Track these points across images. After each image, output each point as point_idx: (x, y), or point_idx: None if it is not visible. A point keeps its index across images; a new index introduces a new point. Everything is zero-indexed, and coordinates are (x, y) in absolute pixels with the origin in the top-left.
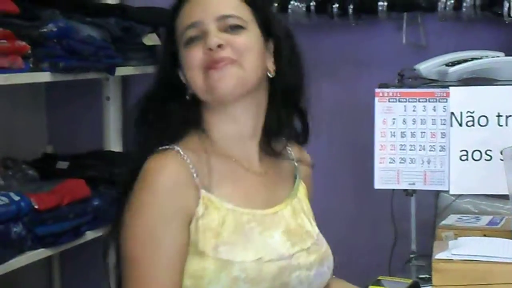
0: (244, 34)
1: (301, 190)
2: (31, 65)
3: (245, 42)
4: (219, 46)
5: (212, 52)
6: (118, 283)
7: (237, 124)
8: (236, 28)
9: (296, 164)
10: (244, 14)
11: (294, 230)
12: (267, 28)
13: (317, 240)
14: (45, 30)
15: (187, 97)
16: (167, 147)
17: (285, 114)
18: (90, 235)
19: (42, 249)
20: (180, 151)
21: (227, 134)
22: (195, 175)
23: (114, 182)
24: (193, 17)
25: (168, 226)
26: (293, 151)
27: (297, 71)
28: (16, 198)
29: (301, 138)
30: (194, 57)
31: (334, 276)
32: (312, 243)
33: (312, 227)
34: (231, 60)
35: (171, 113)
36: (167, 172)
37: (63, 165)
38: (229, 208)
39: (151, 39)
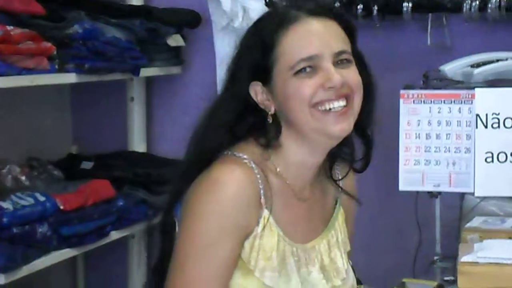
0: (353, 69)
1: (340, 217)
2: (56, 66)
3: (356, 78)
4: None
5: (332, 90)
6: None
7: (313, 157)
8: (345, 62)
9: (340, 188)
10: (349, 47)
11: (328, 266)
12: (360, 62)
13: (346, 276)
14: (70, 31)
15: (268, 120)
16: (235, 154)
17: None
18: (114, 235)
19: (67, 249)
20: (252, 163)
21: (296, 161)
22: (262, 191)
23: (138, 183)
24: (310, 50)
25: (227, 239)
26: (340, 173)
27: (373, 101)
28: (42, 198)
29: (360, 166)
30: (307, 90)
31: None
32: (342, 279)
33: (343, 263)
34: (346, 96)
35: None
36: (238, 186)
37: (87, 165)
38: (280, 234)
39: (176, 40)
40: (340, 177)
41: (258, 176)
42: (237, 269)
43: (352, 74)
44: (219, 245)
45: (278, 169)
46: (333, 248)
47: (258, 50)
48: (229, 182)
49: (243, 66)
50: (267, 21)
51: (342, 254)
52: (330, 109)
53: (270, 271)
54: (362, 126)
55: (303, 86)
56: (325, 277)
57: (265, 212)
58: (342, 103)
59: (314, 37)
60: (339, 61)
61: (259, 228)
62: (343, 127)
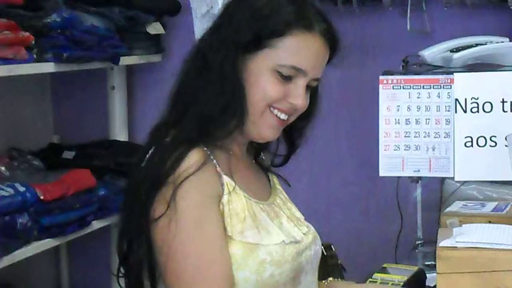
0: (308, 94)
1: (276, 180)
2: (34, 56)
3: (306, 104)
4: None
5: (291, 108)
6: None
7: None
8: (310, 87)
9: (266, 168)
10: None
11: (291, 217)
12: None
13: (307, 224)
14: (48, 20)
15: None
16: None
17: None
18: (96, 224)
19: (48, 239)
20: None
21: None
22: (214, 161)
23: (120, 172)
24: (304, 64)
25: (207, 212)
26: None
27: (309, 121)
28: (22, 189)
29: (279, 161)
30: (274, 94)
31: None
32: (306, 226)
33: (299, 214)
34: (291, 113)
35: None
36: (194, 157)
37: (69, 155)
38: (245, 195)
39: (155, 28)
40: (261, 160)
41: (205, 149)
42: None
43: (307, 101)
44: (204, 220)
45: (218, 143)
46: (286, 203)
47: (262, 23)
48: (181, 162)
49: (237, 34)
50: (287, 6)
51: (295, 208)
52: (276, 115)
53: (249, 230)
54: (293, 136)
55: (274, 87)
56: (295, 225)
57: (225, 178)
58: (285, 116)
59: (313, 56)
60: (308, 84)
61: (225, 195)
62: (274, 134)
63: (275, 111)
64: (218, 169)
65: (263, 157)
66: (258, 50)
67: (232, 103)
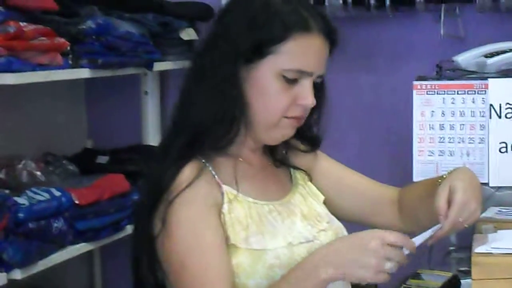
0: (315, 91)
1: (299, 176)
2: (70, 62)
3: (314, 102)
4: None
5: (303, 110)
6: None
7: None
8: (316, 84)
9: (285, 154)
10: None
11: (308, 215)
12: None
13: (329, 219)
14: (84, 27)
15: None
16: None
17: None
18: (130, 229)
19: (83, 244)
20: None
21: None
22: (213, 172)
23: None
24: (310, 66)
25: (206, 220)
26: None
27: (321, 111)
28: (57, 193)
29: (312, 145)
30: (285, 100)
31: None
32: (326, 222)
33: (321, 209)
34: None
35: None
36: (186, 172)
37: (103, 159)
38: (250, 201)
39: (189, 34)
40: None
41: (203, 161)
42: None
43: (314, 98)
44: (200, 231)
45: (220, 152)
46: (307, 197)
47: (261, 32)
48: (177, 176)
49: (236, 47)
50: (285, 10)
51: (319, 202)
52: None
53: (253, 236)
54: (308, 132)
55: (282, 94)
56: (309, 224)
57: (225, 188)
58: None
59: (316, 55)
60: (314, 82)
61: (225, 204)
62: (288, 136)
63: (291, 119)
64: (217, 179)
65: (286, 154)
66: (260, 59)
67: (231, 115)
